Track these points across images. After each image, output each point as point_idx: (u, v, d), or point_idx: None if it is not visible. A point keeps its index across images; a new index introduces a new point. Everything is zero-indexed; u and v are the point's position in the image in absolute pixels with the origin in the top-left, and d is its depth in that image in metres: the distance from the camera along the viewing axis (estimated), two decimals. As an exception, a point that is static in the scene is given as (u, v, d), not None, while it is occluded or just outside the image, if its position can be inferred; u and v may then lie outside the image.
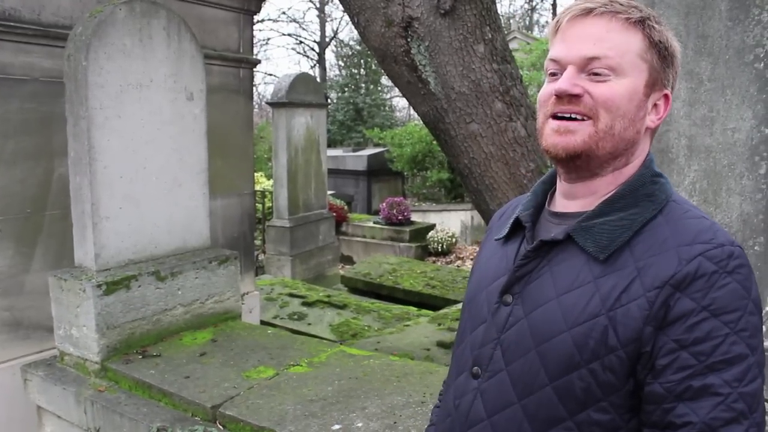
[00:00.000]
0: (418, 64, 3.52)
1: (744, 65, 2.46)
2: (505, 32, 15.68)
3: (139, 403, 2.87)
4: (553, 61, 1.11)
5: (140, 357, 3.16)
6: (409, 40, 3.51)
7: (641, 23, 1.08)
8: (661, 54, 1.09)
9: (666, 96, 1.12)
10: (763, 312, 2.52)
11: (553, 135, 1.10)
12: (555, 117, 1.10)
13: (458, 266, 9.80)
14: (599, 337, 1.02)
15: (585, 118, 1.07)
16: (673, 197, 1.11)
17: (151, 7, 3.28)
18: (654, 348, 0.99)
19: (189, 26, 3.49)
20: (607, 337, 1.01)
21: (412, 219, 11.05)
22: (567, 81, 1.07)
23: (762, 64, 2.43)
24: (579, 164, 1.11)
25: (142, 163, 3.30)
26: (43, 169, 3.81)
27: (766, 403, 0.99)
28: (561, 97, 1.08)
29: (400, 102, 26.75)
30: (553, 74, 1.11)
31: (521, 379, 1.10)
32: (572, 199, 1.16)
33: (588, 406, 1.04)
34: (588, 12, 1.08)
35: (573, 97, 1.07)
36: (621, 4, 1.08)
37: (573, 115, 1.08)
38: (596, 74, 1.07)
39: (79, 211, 3.18)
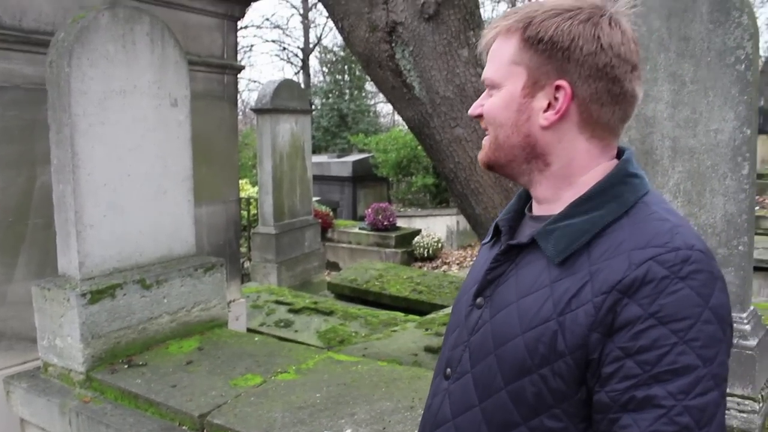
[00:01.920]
0: (402, 68, 3.52)
1: (725, 67, 2.48)
2: (488, 37, 15.71)
3: (125, 414, 2.84)
4: None
5: (126, 366, 3.13)
6: (393, 44, 3.51)
7: (514, 27, 1.09)
8: (536, 48, 1.06)
9: (559, 87, 1.06)
10: (747, 312, 2.53)
11: None
12: None
13: (444, 271, 9.81)
14: (549, 342, 1.00)
15: (488, 131, 1.16)
16: (646, 198, 1.07)
17: (135, 13, 3.26)
18: (601, 355, 0.96)
19: (173, 32, 3.47)
20: (556, 343, 0.99)
21: (397, 224, 11.06)
22: (474, 104, 1.17)
23: (743, 66, 2.45)
24: (501, 173, 1.19)
25: (126, 170, 3.27)
26: (26, 177, 3.77)
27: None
28: None
29: (385, 107, 26.79)
30: None
31: (481, 382, 1.09)
32: (540, 204, 1.17)
33: (540, 413, 1.01)
34: (485, 40, 1.15)
35: (478, 117, 1.16)
36: (504, 17, 1.12)
37: (487, 131, 1.16)
38: (489, 92, 1.14)
39: (63, 219, 3.15)
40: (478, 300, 1.16)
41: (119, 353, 3.20)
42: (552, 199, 1.13)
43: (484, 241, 1.31)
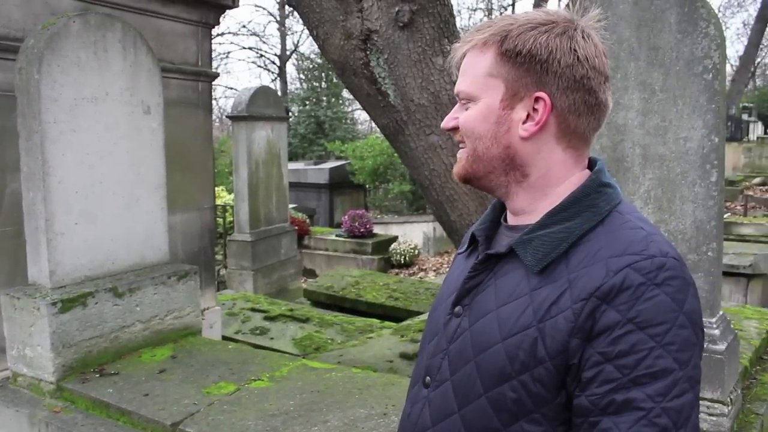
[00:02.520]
0: (377, 76, 3.53)
1: (694, 76, 2.52)
2: (465, 45, 15.81)
3: (97, 423, 2.81)
4: None
5: (98, 375, 3.09)
6: (368, 52, 3.52)
7: (490, 40, 1.10)
8: (515, 61, 1.08)
9: (539, 98, 1.08)
10: (716, 317, 2.57)
11: None
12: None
13: (421, 278, 9.83)
14: (529, 349, 1.02)
15: (464, 144, 1.17)
16: (619, 207, 1.10)
17: (106, 20, 3.24)
18: (581, 360, 0.98)
19: (145, 39, 3.45)
20: (536, 349, 1.01)
21: (374, 231, 11.06)
22: (447, 117, 1.18)
23: (710, 75, 2.50)
24: (477, 186, 1.20)
25: (98, 177, 3.24)
26: (-5, 185, 3.72)
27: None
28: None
29: (362, 115, 26.81)
30: None
31: (461, 390, 1.11)
32: (516, 214, 1.18)
33: (520, 418, 1.03)
34: (457, 52, 1.16)
35: (453, 129, 1.17)
36: (478, 30, 1.13)
37: (461, 145, 1.17)
38: (464, 104, 1.15)
39: (33, 227, 3.11)
40: (457, 309, 1.17)
41: (91, 362, 3.16)
42: (528, 209, 1.15)
43: (459, 251, 1.33)
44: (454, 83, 1.18)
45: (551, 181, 1.12)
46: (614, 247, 1.01)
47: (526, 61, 1.07)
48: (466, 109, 1.14)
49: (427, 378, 1.20)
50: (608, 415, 0.95)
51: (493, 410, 1.05)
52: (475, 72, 1.12)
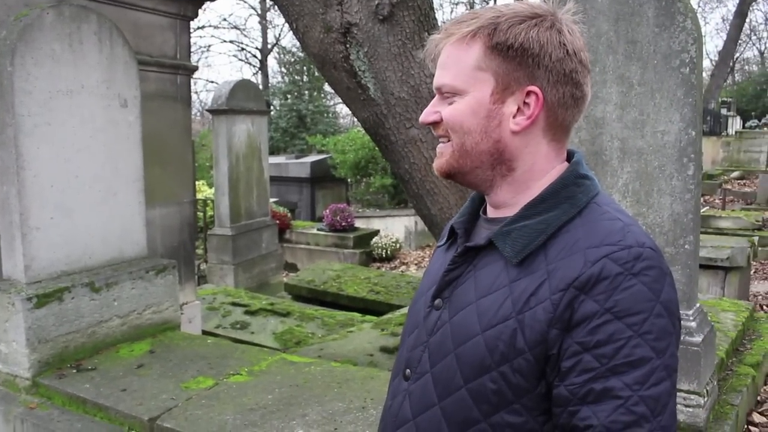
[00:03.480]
0: (357, 69, 3.52)
1: (671, 70, 2.53)
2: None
3: (73, 419, 2.78)
4: None
5: (74, 371, 3.06)
6: (348, 45, 3.50)
7: (477, 33, 1.08)
8: (506, 55, 1.07)
9: (531, 92, 1.08)
10: (693, 309, 2.59)
11: (435, 158, 1.18)
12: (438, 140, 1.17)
13: (402, 272, 9.83)
14: (508, 340, 1.02)
15: (447, 139, 1.14)
16: (597, 198, 1.10)
17: (81, 12, 3.19)
18: (560, 350, 0.99)
19: (122, 32, 3.41)
20: (516, 340, 1.01)
21: (356, 225, 11.05)
22: (426, 111, 1.15)
23: (687, 69, 2.51)
24: (460, 181, 1.18)
25: (74, 171, 3.20)
26: (-31, 178, 3.66)
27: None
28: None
29: (344, 109, 26.73)
30: None
31: (441, 381, 1.11)
32: (495, 208, 1.18)
33: (500, 409, 1.04)
34: (436, 43, 1.14)
35: (434, 124, 1.15)
36: (460, 23, 1.11)
37: (442, 139, 1.15)
38: (447, 98, 1.12)
39: (7, 221, 3.07)
40: (437, 301, 1.17)
41: (68, 358, 3.13)
42: (510, 202, 1.15)
43: (438, 244, 1.32)
44: (432, 76, 1.16)
45: (535, 175, 1.13)
46: (592, 238, 1.02)
47: (518, 55, 1.07)
48: (450, 104, 1.12)
49: (407, 371, 1.20)
50: (587, 404, 0.96)
51: (473, 402, 1.06)
52: (460, 65, 1.10)
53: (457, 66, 1.10)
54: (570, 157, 1.17)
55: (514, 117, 1.09)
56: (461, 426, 1.08)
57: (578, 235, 1.04)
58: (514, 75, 1.08)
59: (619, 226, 1.03)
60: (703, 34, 2.63)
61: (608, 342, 0.95)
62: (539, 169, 1.13)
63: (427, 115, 1.15)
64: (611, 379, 0.95)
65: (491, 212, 1.20)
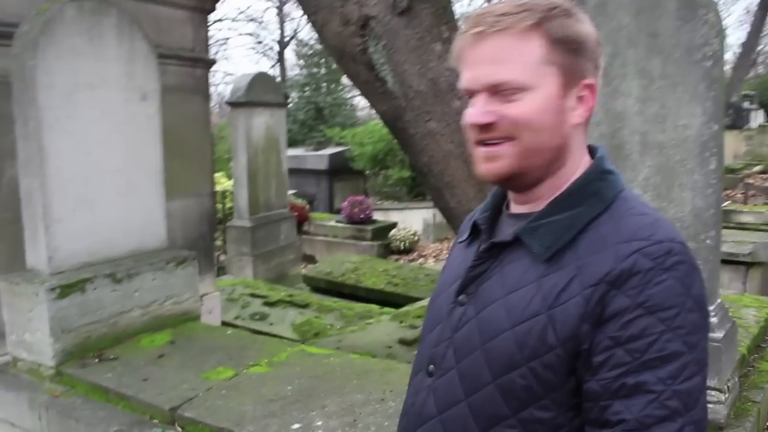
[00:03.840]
0: (375, 62, 3.52)
1: (693, 63, 2.51)
2: (465, 31, 15.74)
3: (96, 408, 2.82)
4: (465, 89, 1.10)
5: (97, 360, 3.10)
6: (366, 38, 3.51)
7: (537, 26, 1.04)
8: (568, 48, 1.06)
9: (588, 86, 1.09)
10: (714, 305, 2.57)
11: (483, 163, 1.10)
12: (480, 143, 1.09)
13: (421, 264, 9.84)
14: (539, 336, 1.02)
15: (507, 140, 1.07)
16: (623, 194, 1.10)
17: (101, 6, 3.22)
18: (592, 345, 0.99)
19: (141, 25, 3.43)
20: (546, 336, 1.02)
21: (374, 218, 11.06)
22: (478, 112, 1.07)
23: (710, 63, 2.48)
24: (516, 183, 1.13)
25: (95, 164, 3.24)
26: (-7, 171, 3.71)
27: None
28: (478, 126, 1.08)
29: (362, 101, 26.65)
30: (471, 97, 1.10)
31: (467, 377, 1.11)
32: (523, 203, 1.17)
33: (530, 404, 1.04)
34: (480, 35, 1.05)
35: (488, 125, 1.07)
36: (511, 14, 1.05)
37: (495, 140, 1.08)
38: (506, 95, 1.05)
39: (31, 213, 3.11)
40: (461, 297, 1.17)
41: (90, 347, 3.17)
42: (533, 198, 1.14)
43: (459, 240, 1.31)
44: (455, 68, 1.13)
45: (575, 169, 1.13)
46: (622, 233, 1.02)
47: (576, 48, 1.07)
48: (510, 101, 1.05)
49: (431, 367, 1.19)
50: (619, 398, 0.96)
51: (502, 397, 1.06)
52: (524, 59, 1.05)
53: (521, 60, 1.05)
54: (592, 152, 1.17)
55: (574, 111, 1.09)
56: (489, 422, 1.08)
57: (607, 230, 1.04)
58: (574, 68, 1.08)
59: (649, 221, 1.04)
60: (725, 26, 2.60)
61: (641, 336, 0.96)
62: (578, 162, 1.13)
63: (481, 116, 1.07)
64: (644, 373, 0.95)
65: (516, 208, 1.19)
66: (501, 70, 1.05)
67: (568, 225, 1.07)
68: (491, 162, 1.09)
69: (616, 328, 0.97)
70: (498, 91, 1.06)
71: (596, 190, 1.09)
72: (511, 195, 1.20)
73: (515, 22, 1.04)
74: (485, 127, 1.07)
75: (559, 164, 1.11)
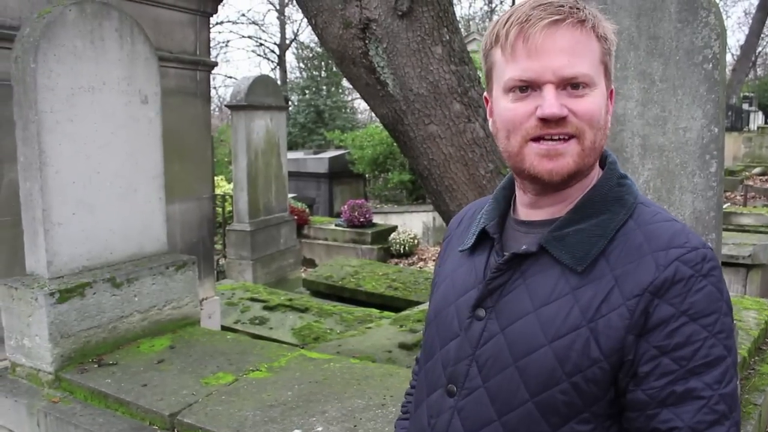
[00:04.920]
0: (376, 65, 3.51)
1: (693, 66, 2.51)
2: (465, 34, 15.80)
3: (95, 414, 2.81)
4: (523, 80, 1.03)
5: (96, 366, 3.09)
6: (366, 41, 3.50)
7: (593, 25, 1.04)
8: (610, 50, 1.08)
9: (611, 90, 1.11)
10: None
11: (541, 160, 1.04)
12: (538, 139, 1.04)
13: (420, 267, 9.83)
14: (581, 349, 1.00)
15: (572, 137, 1.03)
16: (640, 199, 1.10)
17: (103, 9, 3.22)
18: (636, 356, 0.98)
19: (142, 28, 3.43)
20: (590, 349, 1.00)
21: (374, 221, 11.04)
22: (554, 104, 1.00)
23: (710, 65, 2.48)
24: (572, 183, 1.09)
25: (95, 167, 3.23)
26: (-7, 174, 3.71)
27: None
28: (548, 120, 1.02)
29: (362, 104, 26.71)
30: (522, 90, 1.04)
31: (500, 396, 1.07)
32: (538, 209, 1.13)
33: (571, 419, 1.02)
34: (556, 23, 1.01)
35: (560, 120, 1.02)
36: (580, 9, 1.03)
37: (559, 136, 1.03)
38: (575, 90, 1.02)
39: (30, 217, 3.10)
40: (478, 311, 1.12)
41: (89, 353, 3.16)
42: (553, 203, 1.11)
43: (460, 248, 1.25)
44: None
45: (593, 174, 1.12)
46: (657, 242, 1.02)
47: (611, 49, 1.08)
48: (580, 96, 1.02)
49: (451, 386, 1.14)
50: (667, 406, 0.97)
51: (541, 415, 1.03)
52: (592, 55, 1.04)
53: (591, 55, 1.04)
54: (602, 157, 1.15)
55: (607, 112, 1.08)
56: None
57: (639, 238, 1.03)
58: (611, 70, 1.09)
59: (679, 228, 1.04)
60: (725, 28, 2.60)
61: (686, 344, 0.96)
62: (596, 168, 1.13)
63: (560, 109, 1.01)
64: (691, 380, 0.96)
65: (528, 214, 1.15)
66: (578, 63, 1.01)
67: (598, 234, 1.05)
68: (555, 160, 1.03)
69: (661, 337, 0.97)
70: (569, 84, 1.02)
71: (618, 196, 1.08)
72: (524, 200, 1.15)
73: (586, 17, 1.03)
74: (557, 122, 1.02)
75: (593, 166, 1.11)
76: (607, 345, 0.99)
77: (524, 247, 1.10)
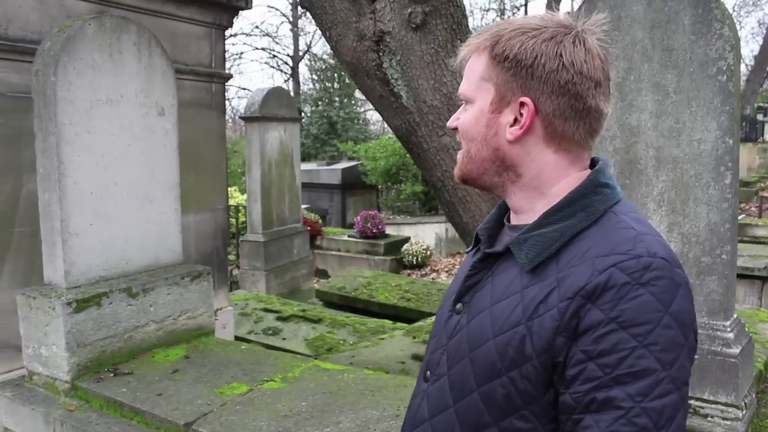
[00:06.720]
0: (390, 77, 3.54)
1: (708, 78, 2.51)
2: (477, 46, 15.77)
3: (111, 422, 2.83)
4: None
5: (112, 375, 3.12)
6: (380, 54, 3.53)
7: (486, 44, 1.13)
8: (503, 66, 1.10)
9: (523, 103, 1.10)
10: (731, 320, 2.55)
11: None
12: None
13: (433, 279, 9.82)
14: (517, 346, 1.03)
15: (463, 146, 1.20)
16: (615, 207, 1.10)
17: (121, 23, 3.26)
18: (566, 358, 0.99)
19: (159, 41, 3.47)
20: (524, 347, 1.03)
21: (386, 232, 11.06)
22: (452, 117, 1.21)
23: (725, 77, 2.48)
24: (474, 186, 1.23)
25: (112, 178, 3.27)
26: (11, 185, 3.76)
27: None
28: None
29: (375, 115, 26.78)
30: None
31: (456, 384, 1.14)
32: (517, 213, 1.20)
33: (510, 414, 1.05)
34: (462, 57, 1.19)
35: (455, 129, 1.21)
36: (478, 34, 1.16)
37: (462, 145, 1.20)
38: (464, 106, 1.19)
39: (49, 227, 3.14)
40: (458, 306, 1.20)
41: (105, 362, 3.18)
42: (526, 208, 1.17)
43: (467, 250, 1.35)
44: None
45: (544, 182, 1.14)
46: (602, 247, 1.02)
47: (512, 66, 1.09)
48: (465, 111, 1.18)
49: (427, 372, 1.23)
50: (590, 412, 0.96)
51: (484, 405, 1.08)
52: (473, 75, 1.15)
53: (472, 75, 1.16)
54: (595, 164, 1.17)
55: (510, 126, 1.12)
56: (473, 429, 1.10)
57: (590, 243, 1.05)
58: (510, 85, 1.11)
59: (632, 235, 1.03)
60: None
61: (612, 351, 0.95)
62: (548, 176, 1.14)
63: (451, 121, 1.22)
64: (614, 389, 0.95)
65: (513, 219, 1.22)
66: (462, 84, 1.19)
67: (555, 237, 1.07)
68: (456, 164, 1.22)
69: (588, 342, 0.97)
70: (462, 101, 1.20)
71: (587, 204, 1.09)
72: (509, 206, 1.24)
73: (475, 41, 1.16)
74: (455, 131, 1.21)
75: (513, 175, 1.16)
76: (538, 344, 1.01)
77: (495, 247, 1.19)
